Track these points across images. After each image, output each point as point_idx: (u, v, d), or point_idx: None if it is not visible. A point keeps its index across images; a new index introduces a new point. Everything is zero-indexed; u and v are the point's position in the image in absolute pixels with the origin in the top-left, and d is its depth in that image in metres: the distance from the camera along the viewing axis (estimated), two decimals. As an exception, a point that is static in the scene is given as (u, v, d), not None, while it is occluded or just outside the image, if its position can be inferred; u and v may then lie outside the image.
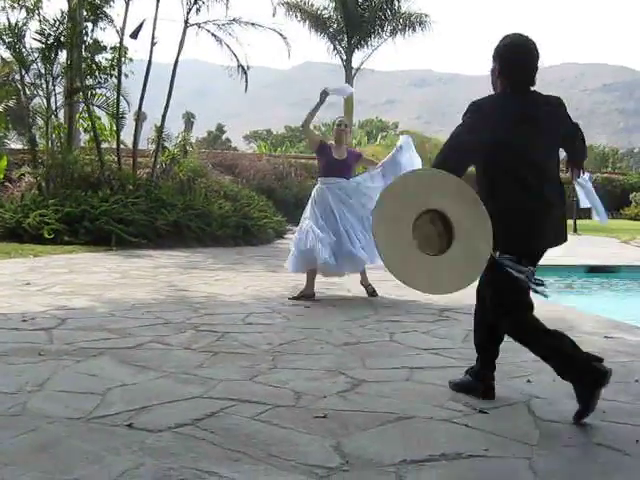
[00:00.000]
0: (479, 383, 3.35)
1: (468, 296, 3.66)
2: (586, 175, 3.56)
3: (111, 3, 13.81)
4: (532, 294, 3.17)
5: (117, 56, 13.75)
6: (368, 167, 7.00)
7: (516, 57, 3.13)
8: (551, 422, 3.01)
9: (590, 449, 2.71)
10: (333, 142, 6.61)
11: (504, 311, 3.17)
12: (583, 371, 2.95)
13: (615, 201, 30.34)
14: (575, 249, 13.68)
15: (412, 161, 6.31)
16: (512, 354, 4.17)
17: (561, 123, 3.22)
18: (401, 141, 6.56)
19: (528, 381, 3.64)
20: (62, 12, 13.62)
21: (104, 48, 14.08)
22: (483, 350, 3.41)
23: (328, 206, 6.29)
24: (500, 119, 3.08)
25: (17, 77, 13.95)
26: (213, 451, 2.56)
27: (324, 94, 6.47)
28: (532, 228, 3.08)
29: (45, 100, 13.86)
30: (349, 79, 26.80)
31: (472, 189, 3.10)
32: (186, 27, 13.91)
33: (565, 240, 3.25)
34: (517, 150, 3.07)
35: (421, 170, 3.25)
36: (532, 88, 3.17)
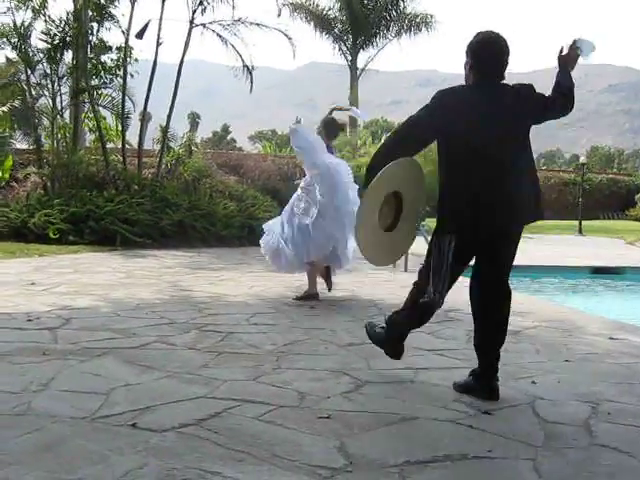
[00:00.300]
0: (481, 384, 3.35)
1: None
2: None
3: (116, 3, 13.79)
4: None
5: (122, 56, 13.74)
6: None
7: (487, 53, 3.26)
8: (555, 423, 3.00)
9: (595, 451, 2.70)
10: None
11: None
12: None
13: (620, 202, 30.26)
14: (580, 250, 13.65)
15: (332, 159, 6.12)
16: (517, 355, 4.17)
17: (534, 109, 3.29)
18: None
19: (533, 382, 3.63)
20: (68, 12, 13.63)
21: (110, 48, 14.07)
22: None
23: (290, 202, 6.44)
24: (462, 109, 3.21)
25: (23, 77, 13.93)
26: (217, 451, 2.56)
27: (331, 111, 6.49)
28: (477, 213, 3.18)
29: (51, 100, 13.87)
30: (354, 79, 26.82)
31: (422, 171, 3.52)
32: (191, 27, 13.90)
33: (529, 218, 3.34)
34: (473, 138, 3.15)
35: (392, 163, 3.53)
36: (502, 81, 3.28)
